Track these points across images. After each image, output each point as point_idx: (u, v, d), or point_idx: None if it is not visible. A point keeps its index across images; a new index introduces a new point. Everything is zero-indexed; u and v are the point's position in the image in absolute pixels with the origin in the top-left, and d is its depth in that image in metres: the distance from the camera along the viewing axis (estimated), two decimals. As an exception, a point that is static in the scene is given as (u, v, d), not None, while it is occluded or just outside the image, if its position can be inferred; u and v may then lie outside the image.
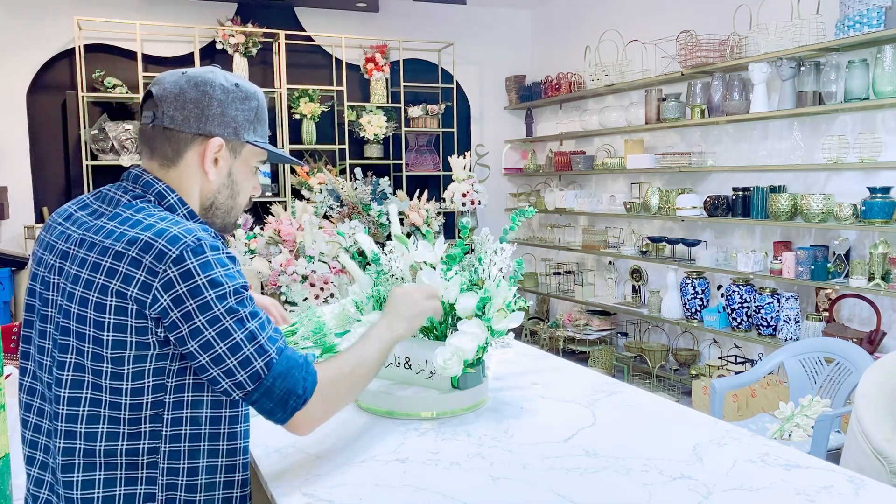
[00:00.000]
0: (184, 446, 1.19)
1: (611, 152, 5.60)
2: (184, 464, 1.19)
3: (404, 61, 6.04)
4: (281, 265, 2.85)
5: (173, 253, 1.13)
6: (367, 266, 1.94)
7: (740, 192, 4.24)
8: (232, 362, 1.14)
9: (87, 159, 5.07)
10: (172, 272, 1.12)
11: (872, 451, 1.96)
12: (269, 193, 5.64)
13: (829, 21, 3.81)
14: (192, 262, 1.13)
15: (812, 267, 3.80)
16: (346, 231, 2.92)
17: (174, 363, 1.17)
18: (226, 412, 1.23)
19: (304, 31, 5.82)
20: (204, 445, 1.21)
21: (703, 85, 4.59)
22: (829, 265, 3.82)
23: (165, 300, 1.12)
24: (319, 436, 1.53)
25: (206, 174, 1.28)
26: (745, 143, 4.47)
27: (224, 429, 1.23)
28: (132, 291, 1.12)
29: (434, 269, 1.71)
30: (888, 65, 3.47)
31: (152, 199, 1.25)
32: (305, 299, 2.79)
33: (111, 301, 1.13)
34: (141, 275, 1.12)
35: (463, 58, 6.33)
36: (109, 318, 1.13)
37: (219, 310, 1.14)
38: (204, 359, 1.14)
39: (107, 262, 1.14)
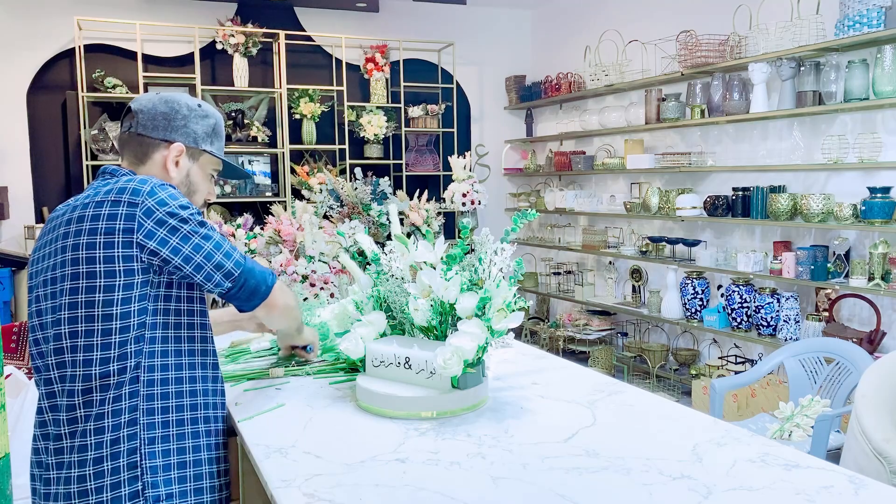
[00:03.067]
0: (158, 361, 1.42)
1: (611, 152, 5.61)
2: (158, 376, 1.42)
3: (404, 61, 6.04)
4: (281, 265, 2.85)
5: (146, 188, 1.40)
6: (367, 266, 1.95)
7: (740, 192, 4.24)
8: (219, 256, 1.43)
9: (87, 159, 5.07)
10: (150, 202, 1.38)
11: (872, 451, 1.96)
12: (269, 193, 5.64)
13: (829, 21, 3.81)
14: (162, 194, 1.41)
15: (812, 267, 3.80)
16: (346, 231, 2.92)
17: (154, 290, 1.41)
18: (194, 332, 1.48)
19: (304, 31, 5.83)
20: (173, 361, 1.44)
21: (703, 85, 4.59)
22: (829, 265, 3.82)
23: (150, 223, 1.37)
24: (319, 436, 1.53)
25: (168, 172, 1.55)
26: (745, 143, 4.47)
27: (187, 347, 1.47)
28: (118, 224, 1.37)
29: (434, 269, 1.71)
30: (888, 65, 3.47)
31: (119, 179, 1.48)
32: (305, 299, 2.79)
33: (99, 238, 1.37)
34: (123, 210, 1.38)
35: (463, 58, 6.33)
36: (99, 253, 1.37)
37: (194, 223, 1.42)
38: (198, 258, 1.40)
39: (89, 212, 1.39)
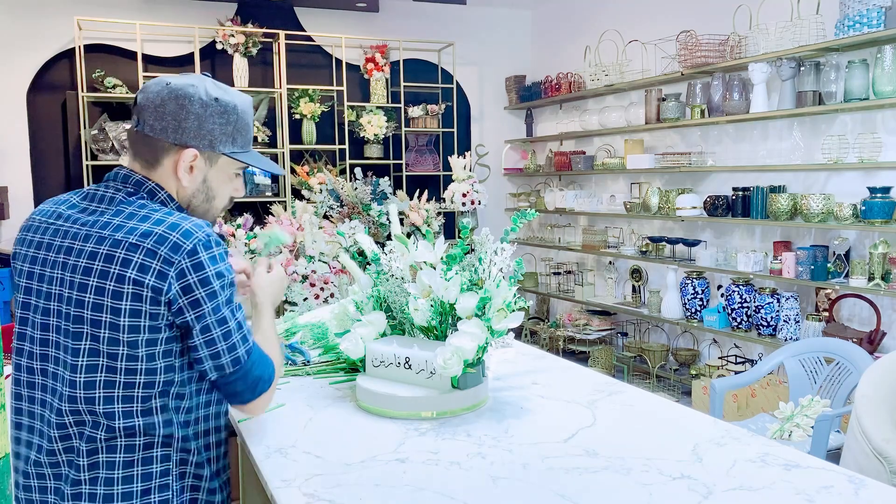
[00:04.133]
0: (183, 417, 1.33)
1: (611, 152, 5.61)
2: (191, 431, 1.34)
3: (404, 61, 6.04)
4: (281, 265, 2.85)
5: (188, 246, 1.25)
6: (367, 266, 1.95)
7: (740, 192, 4.24)
8: (221, 346, 1.29)
9: (87, 159, 5.07)
10: (186, 263, 1.25)
11: (872, 451, 1.96)
12: (269, 193, 5.64)
13: (829, 21, 3.81)
14: (203, 255, 1.26)
15: (812, 267, 3.80)
16: (346, 231, 2.92)
17: (180, 344, 1.29)
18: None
19: (304, 31, 5.82)
20: (198, 414, 1.36)
21: (703, 85, 4.59)
22: (829, 265, 3.82)
23: (177, 287, 1.24)
24: (319, 436, 1.53)
25: (180, 180, 1.38)
26: (745, 143, 4.47)
27: (214, 397, 1.39)
28: (149, 280, 1.23)
29: (434, 269, 1.71)
30: (888, 65, 3.47)
31: (145, 195, 1.35)
32: (305, 299, 2.79)
33: (128, 289, 1.23)
34: (157, 264, 1.24)
35: (463, 58, 6.33)
36: (126, 305, 1.24)
37: (221, 299, 1.28)
38: (199, 340, 1.28)
39: (120, 253, 1.25)
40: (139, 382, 1.26)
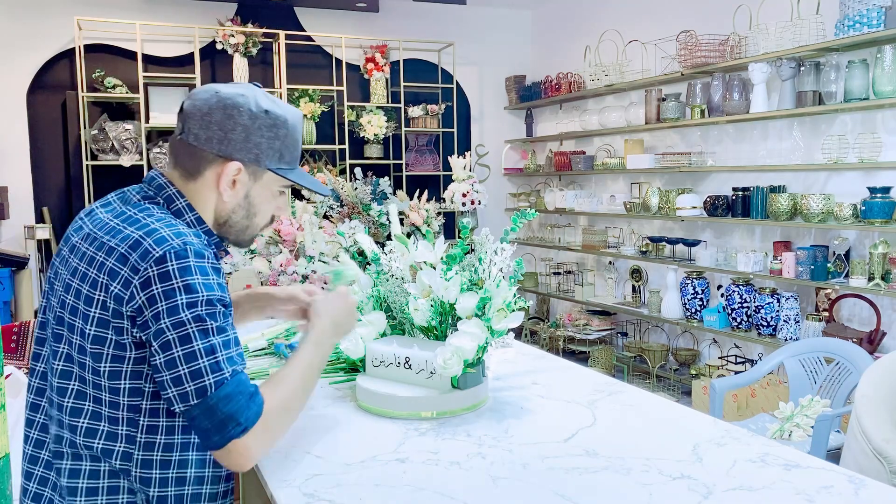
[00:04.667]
0: (157, 455, 1.20)
1: (611, 152, 5.61)
2: (155, 474, 1.21)
3: (404, 61, 6.04)
4: (281, 265, 2.85)
5: (157, 253, 1.14)
6: (367, 266, 1.95)
7: (740, 192, 4.24)
8: (183, 370, 1.12)
9: (87, 159, 5.07)
10: (152, 271, 1.13)
11: (872, 451, 1.96)
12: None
13: (829, 21, 3.81)
14: (172, 265, 1.13)
15: (812, 267, 3.80)
16: (346, 231, 2.92)
17: (150, 368, 1.17)
18: None
19: (304, 31, 5.83)
20: (185, 456, 1.23)
21: (703, 85, 4.59)
22: (828, 265, 3.82)
23: (141, 298, 1.13)
24: (319, 436, 1.53)
25: (221, 195, 1.30)
26: (745, 143, 4.47)
27: (195, 439, 1.24)
28: (115, 287, 1.14)
29: (434, 269, 1.72)
30: (888, 65, 3.47)
31: (161, 201, 1.28)
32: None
33: (98, 295, 1.16)
34: (125, 271, 1.14)
35: (463, 58, 6.33)
36: (94, 313, 1.16)
37: (185, 315, 1.13)
38: (159, 359, 1.12)
39: (100, 256, 1.17)
40: (105, 400, 1.17)
